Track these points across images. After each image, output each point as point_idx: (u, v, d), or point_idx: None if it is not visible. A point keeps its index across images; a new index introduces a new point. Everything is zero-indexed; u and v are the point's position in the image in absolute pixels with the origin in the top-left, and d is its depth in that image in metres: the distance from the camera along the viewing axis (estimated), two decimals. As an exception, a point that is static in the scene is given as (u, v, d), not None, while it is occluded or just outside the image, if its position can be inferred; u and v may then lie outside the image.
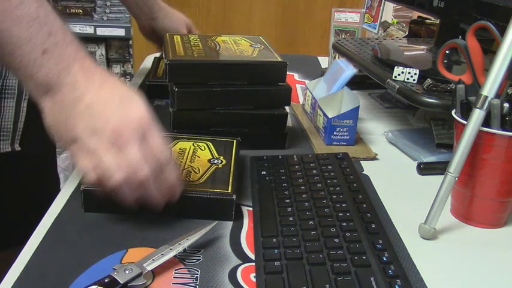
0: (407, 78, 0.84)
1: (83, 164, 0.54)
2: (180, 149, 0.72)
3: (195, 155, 0.70)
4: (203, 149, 0.72)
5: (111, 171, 0.53)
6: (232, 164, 0.69)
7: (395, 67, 0.85)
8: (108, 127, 0.53)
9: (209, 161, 0.69)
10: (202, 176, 0.65)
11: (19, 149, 0.77)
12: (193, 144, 0.73)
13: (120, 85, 0.57)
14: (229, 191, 0.63)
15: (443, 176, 0.61)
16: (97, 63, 0.57)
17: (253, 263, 0.54)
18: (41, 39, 0.52)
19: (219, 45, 0.86)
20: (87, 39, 2.42)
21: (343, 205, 0.62)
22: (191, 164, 0.68)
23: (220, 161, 0.69)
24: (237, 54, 0.82)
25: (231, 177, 0.66)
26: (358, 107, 0.83)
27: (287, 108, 1.03)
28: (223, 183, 0.64)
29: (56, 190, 0.85)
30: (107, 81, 0.56)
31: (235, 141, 0.75)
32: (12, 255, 0.55)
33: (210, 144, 0.74)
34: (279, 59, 0.81)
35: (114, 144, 0.53)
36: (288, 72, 1.15)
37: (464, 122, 0.61)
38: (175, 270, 0.53)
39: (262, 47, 0.87)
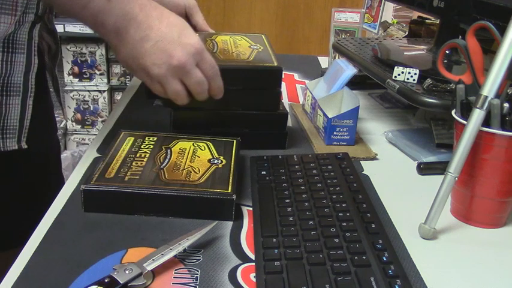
0: (407, 78, 0.84)
1: (154, 89, 0.70)
2: (180, 149, 0.72)
3: (195, 155, 0.70)
4: (203, 149, 0.72)
5: (178, 97, 0.70)
6: (232, 164, 0.69)
7: (395, 67, 0.85)
8: (173, 61, 0.67)
9: (209, 161, 0.69)
10: (202, 176, 0.65)
11: (26, 146, 0.77)
12: (193, 144, 0.73)
13: (174, 17, 0.69)
14: (229, 191, 0.63)
15: (443, 176, 0.61)
16: None
17: (253, 263, 0.54)
18: None
19: (217, 46, 0.86)
20: (87, 39, 2.42)
21: (343, 205, 0.62)
22: (191, 164, 0.68)
23: (220, 161, 0.69)
24: (233, 58, 0.81)
25: (231, 177, 0.66)
26: (358, 107, 0.83)
27: (287, 108, 1.03)
28: (223, 183, 0.64)
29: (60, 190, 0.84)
30: (164, 16, 0.68)
31: (235, 141, 0.75)
32: (12, 255, 0.55)
33: (210, 144, 0.74)
34: (275, 64, 0.79)
35: (178, 73, 0.68)
36: (288, 72, 1.15)
37: (464, 122, 0.61)
38: (175, 270, 0.53)
39: (262, 48, 0.86)
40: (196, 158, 0.70)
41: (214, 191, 0.62)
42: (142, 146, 0.72)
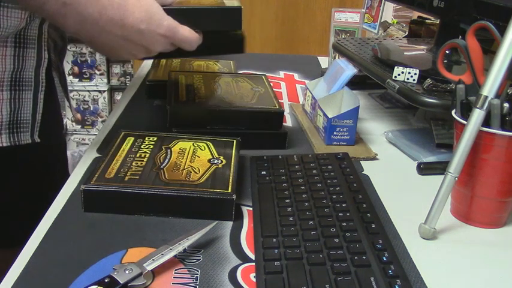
0: (407, 78, 0.84)
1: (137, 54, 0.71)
2: (180, 149, 0.72)
3: (195, 155, 0.70)
4: (203, 149, 0.72)
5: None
6: (232, 164, 0.69)
7: (395, 67, 0.85)
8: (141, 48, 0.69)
9: (209, 161, 0.69)
10: (202, 176, 0.65)
11: (38, 140, 0.78)
12: (193, 144, 0.73)
13: (139, 12, 0.67)
14: (229, 191, 0.63)
15: (443, 176, 0.61)
16: None
17: (253, 263, 0.54)
18: None
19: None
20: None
21: (343, 205, 0.62)
22: (191, 164, 0.68)
23: (220, 161, 0.69)
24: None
25: (231, 177, 0.66)
26: (358, 107, 0.83)
27: (286, 107, 1.03)
28: (223, 183, 0.64)
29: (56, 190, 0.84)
30: (127, 15, 0.66)
31: (235, 141, 0.76)
32: (12, 255, 0.55)
33: (210, 144, 0.74)
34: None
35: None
36: (288, 72, 1.16)
37: (464, 122, 0.61)
38: (175, 270, 0.53)
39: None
40: (196, 158, 0.70)
41: (214, 191, 0.62)
42: (142, 146, 0.72)
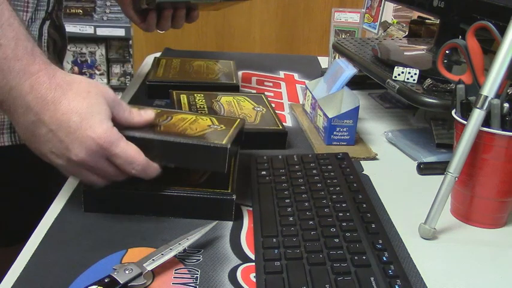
0: (407, 78, 0.84)
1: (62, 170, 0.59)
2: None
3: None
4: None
5: (89, 182, 0.59)
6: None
7: (395, 67, 0.85)
8: (71, 155, 0.55)
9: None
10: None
11: None
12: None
13: (79, 99, 0.55)
14: (229, 190, 0.63)
15: (443, 176, 0.61)
16: (54, 69, 0.56)
17: (253, 263, 0.54)
18: None
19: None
20: (87, 40, 2.42)
21: (343, 205, 0.62)
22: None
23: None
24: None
25: (231, 177, 0.66)
26: (358, 107, 0.83)
27: (286, 107, 1.04)
28: (223, 183, 0.64)
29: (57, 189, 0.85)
30: (64, 98, 0.54)
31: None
32: (13, 255, 0.55)
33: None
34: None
35: (81, 166, 0.57)
36: (288, 72, 1.16)
37: (464, 122, 0.61)
38: (175, 270, 0.53)
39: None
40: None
41: (214, 191, 0.62)
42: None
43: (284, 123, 0.89)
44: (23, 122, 0.55)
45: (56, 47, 0.87)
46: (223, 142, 0.61)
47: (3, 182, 0.82)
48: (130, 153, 0.57)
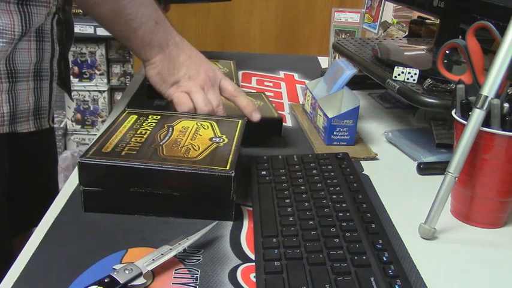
0: (407, 78, 0.84)
1: (178, 100, 0.79)
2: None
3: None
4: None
5: (200, 106, 0.79)
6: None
7: (395, 67, 0.85)
8: (200, 75, 0.81)
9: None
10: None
11: (53, 125, 0.89)
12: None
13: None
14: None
15: (443, 176, 0.61)
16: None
17: (253, 263, 0.54)
18: (154, 14, 0.79)
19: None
20: (87, 39, 2.42)
21: (343, 205, 0.62)
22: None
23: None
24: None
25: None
26: (358, 107, 0.83)
27: (286, 107, 1.04)
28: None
29: (55, 190, 0.87)
30: (191, 46, 0.84)
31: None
32: (20, 242, 0.56)
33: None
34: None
35: (202, 87, 0.80)
36: (288, 72, 1.15)
37: (464, 122, 0.61)
38: (175, 270, 0.53)
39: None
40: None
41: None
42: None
43: (284, 123, 0.89)
44: (172, 53, 0.80)
45: (62, 38, 0.89)
46: (227, 168, 0.61)
47: (24, 165, 0.86)
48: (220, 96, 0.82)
